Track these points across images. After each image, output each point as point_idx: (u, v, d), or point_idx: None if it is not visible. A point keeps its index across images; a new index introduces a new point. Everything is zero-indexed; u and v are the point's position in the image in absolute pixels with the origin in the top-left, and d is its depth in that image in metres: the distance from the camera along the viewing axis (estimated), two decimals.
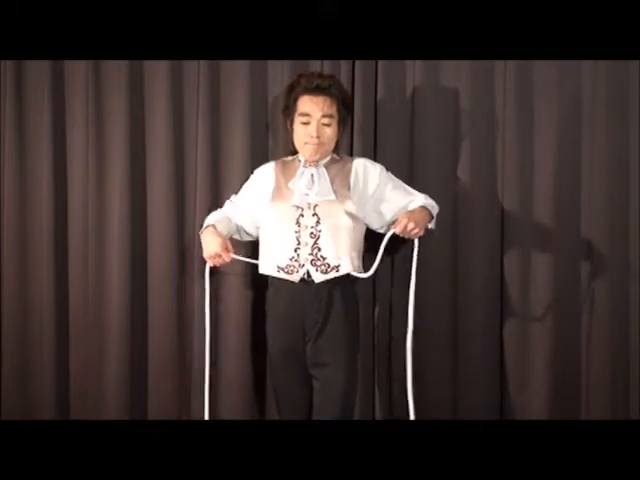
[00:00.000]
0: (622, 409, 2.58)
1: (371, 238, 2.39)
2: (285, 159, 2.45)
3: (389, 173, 2.40)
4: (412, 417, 2.28)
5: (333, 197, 2.30)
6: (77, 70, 2.70)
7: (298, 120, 2.31)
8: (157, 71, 2.67)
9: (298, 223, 2.29)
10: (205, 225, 2.43)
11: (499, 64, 2.58)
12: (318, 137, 2.29)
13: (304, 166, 2.35)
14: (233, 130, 2.65)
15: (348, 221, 2.30)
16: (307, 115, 2.29)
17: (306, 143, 2.31)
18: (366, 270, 2.31)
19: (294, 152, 2.42)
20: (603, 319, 2.58)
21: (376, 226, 2.39)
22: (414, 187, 2.42)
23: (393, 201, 2.35)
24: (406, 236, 2.25)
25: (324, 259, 2.28)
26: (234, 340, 2.64)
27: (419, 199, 2.36)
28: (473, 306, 2.61)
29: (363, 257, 2.36)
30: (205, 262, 2.38)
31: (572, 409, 2.61)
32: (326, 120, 2.29)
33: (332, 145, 2.36)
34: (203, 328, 2.43)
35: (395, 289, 2.60)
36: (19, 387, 2.77)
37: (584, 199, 2.59)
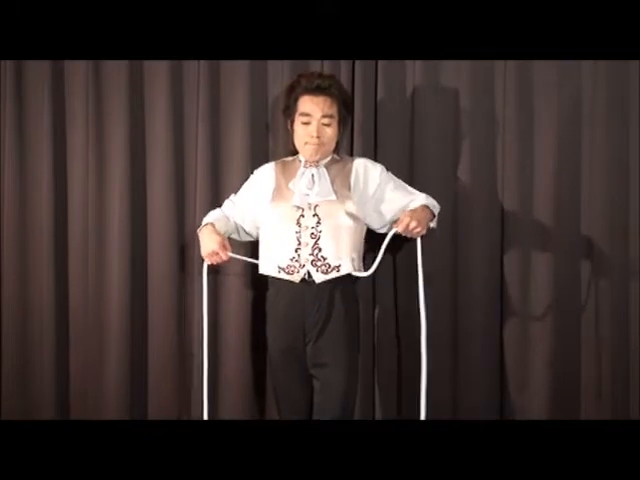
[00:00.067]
0: (622, 409, 2.58)
1: (372, 238, 2.39)
2: (285, 159, 2.45)
3: (389, 173, 2.40)
4: (423, 417, 2.28)
5: (334, 197, 2.30)
6: (77, 70, 2.70)
7: (298, 120, 2.31)
8: (157, 71, 2.67)
9: (299, 223, 2.29)
10: (204, 223, 2.43)
11: (499, 64, 2.58)
12: (318, 137, 2.29)
13: (304, 166, 2.35)
14: (233, 130, 2.65)
15: (349, 221, 2.30)
16: (307, 115, 2.29)
17: (306, 143, 2.31)
18: (366, 270, 2.31)
19: (294, 152, 2.42)
20: (603, 319, 2.58)
21: (377, 226, 2.39)
22: (414, 187, 2.42)
23: (394, 201, 2.35)
24: (408, 235, 2.25)
25: (325, 259, 2.27)
26: (234, 340, 2.64)
27: (420, 198, 2.36)
28: (473, 306, 2.61)
29: (364, 257, 2.37)
30: (204, 261, 2.38)
31: (572, 409, 2.60)
32: (326, 120, 2.29)
33: (332, 145, 2.36)
34: (202, 327, 2.44)
35: (395, 289, 2.60)
36: (19, 387, 2.77)
37: (584, 199, 2.59)
